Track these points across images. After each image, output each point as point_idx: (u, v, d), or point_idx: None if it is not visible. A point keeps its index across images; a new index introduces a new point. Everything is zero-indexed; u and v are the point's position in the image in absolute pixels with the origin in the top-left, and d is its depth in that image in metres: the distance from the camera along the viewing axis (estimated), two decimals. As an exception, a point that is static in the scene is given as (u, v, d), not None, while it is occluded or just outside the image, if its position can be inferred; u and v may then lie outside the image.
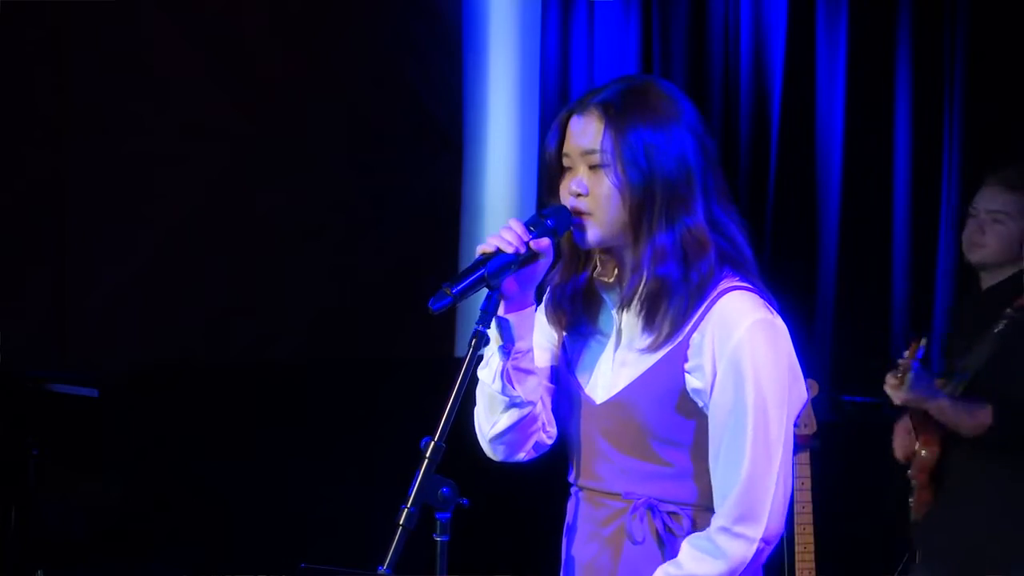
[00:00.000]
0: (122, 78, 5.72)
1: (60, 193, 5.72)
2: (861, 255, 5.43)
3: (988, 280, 4.46)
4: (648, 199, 2.47)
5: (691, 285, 2.48)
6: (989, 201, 4.39)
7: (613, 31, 5.83)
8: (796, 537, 4.66)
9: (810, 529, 4.63)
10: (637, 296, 2.51)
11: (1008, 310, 4.27)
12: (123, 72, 5.72)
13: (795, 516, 4.68)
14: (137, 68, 5.74)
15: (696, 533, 2.49)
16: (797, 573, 4.64)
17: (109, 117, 5.72)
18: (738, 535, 2.45)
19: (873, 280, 5.40)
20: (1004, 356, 4.24)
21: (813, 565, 4.63)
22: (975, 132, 5.24)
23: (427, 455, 2.35)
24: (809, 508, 4.63)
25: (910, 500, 4.53)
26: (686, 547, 2.48)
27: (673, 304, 2.48)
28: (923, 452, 4.40)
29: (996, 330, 4.29)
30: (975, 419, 4.22)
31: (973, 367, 4.28)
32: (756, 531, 2.46)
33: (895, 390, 4.29)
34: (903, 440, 4.52)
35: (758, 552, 2.46)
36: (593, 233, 2.52)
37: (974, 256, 4.44)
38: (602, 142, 2.49)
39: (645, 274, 2.48)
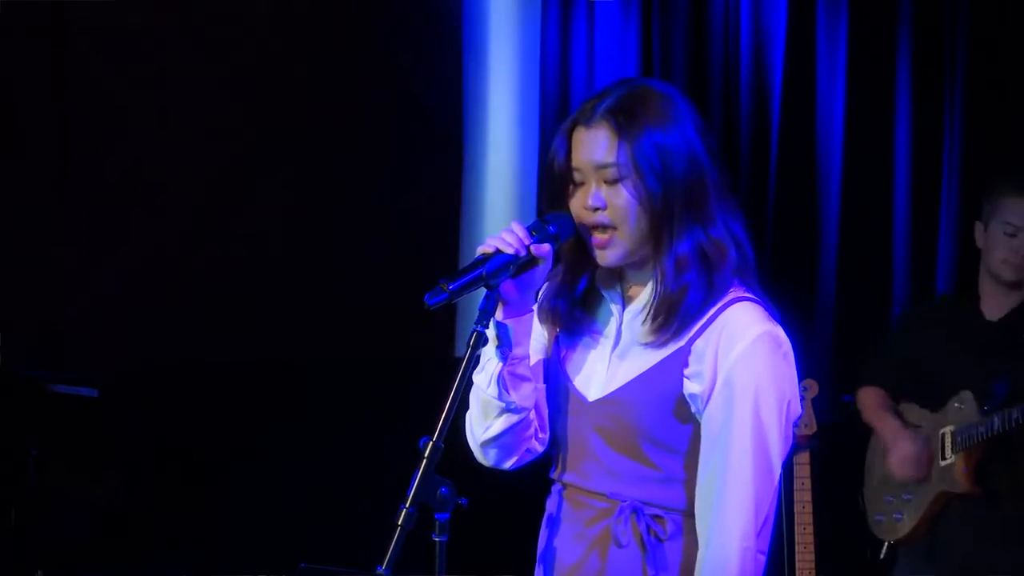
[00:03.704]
0: (122, 78, 5.73)
1: (60, 194, 5.73)
2: (861, 255, 5.43)
3: (1000, 306, 4.38)
4: (669, 207, 2.46)
5: (710, 290, 2.48)
6: None
7: (613, 31, 5.82)
8: (796, 537, 4.66)
9: (810, 529, 4.63)
10: (653, 302, 2.50)
11: None
12: (123, 72, 5.73)
13: (795, 516, 4.68)
14: (137, 68, 5.74)
15: (712, 560, 2.45)
16: (797, 573, 4.64)
17: (109, 117, 5.72)
18: (755, 550, 2.45)
19: (873, 280, 5.39)
20: None
21: (813, 565, 4.63)
22: (975, 132, 5.24)
23: (425, 455, 2.35)
24: (809, 508, 4.63)
25: (897, 517, 4.48)
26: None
27: (686, 309, 2.48)
28: (967, 483, 4.31)
29: None
30: None
31: (1013, 381, 4.23)
32: (761, 543, 2.46)
33: None
34: (912, 458, 4.44)
35: (760, 564, 2.47)
36: (618, 252, 2.51)
37: (1016, 276, 4.34)
38: (617, 155, 2.47)
39: (670, 285, 2.47)
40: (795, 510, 4.69)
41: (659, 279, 2.49)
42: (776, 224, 5.51)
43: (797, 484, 4.70)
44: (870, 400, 4.60)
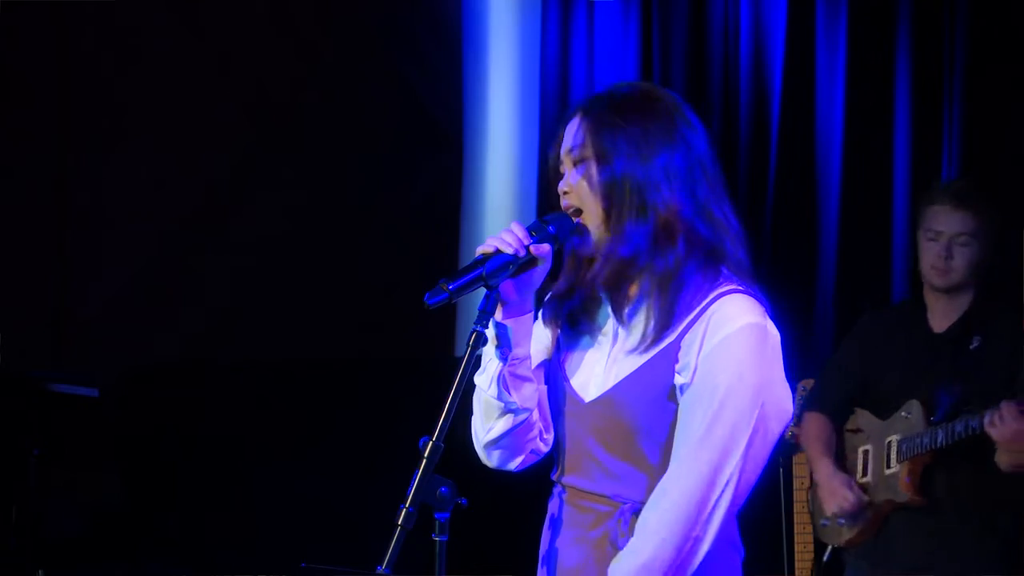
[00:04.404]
0: (122, 78, 5.73)
1: (60, 194, 5.73)
2: (861, 255, 5.43)
3: (944, 313, 4.39)
4: (617, 190, 2.49)
5: (657, 272, 2.48)
6: (953, 224, 4.33)
7: (613, 31, 5.82)
8: (796, 536, 4.67)
9: (810, 528, 4.63)
10: (608, 283, 2.52)
11: (975, 333, 4.27)
12: (123, 72, 5.73)
13: (795, 515, 4.68)
14: (137, 68, 5.75)
15: (638, 535, 2.44)
16: (797, 572, 4.65)
17: (109, 118, 5.72)
18: (695, 537, 2.41)
19: (873, 280, 5.39)
20: (991, 365, 4.23)
21: (812, 564, 4.64)
22: (974, 132, 5.23)
23: (425, 455, 2.35)
24: (809, 507, 4.63)
25: (841, 523, 4.46)
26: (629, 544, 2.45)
27: (641, 273, 2.49)
28: (910, 493, 4.31)
29: (972, 347, 4.28)
30: None
31: (967, 391, 4.25)
32: (696, 531, 2.42)
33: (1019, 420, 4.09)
34: (844, 493, 4.43)
35: (691, 552, 2.42)
36: (592, 234, 2.53)
37: (942, 281, 4.36)
38: (576, 137, 2.54)
39: (617, 250, 2.49)
40: (795, 509, 4.69)
41: (606, 242, 2.51)
42: (776, 224, 5.51)
43: (796, 484, 4.70)
44: (811, 431, 4.55)
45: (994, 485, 4.25)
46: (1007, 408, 4.05)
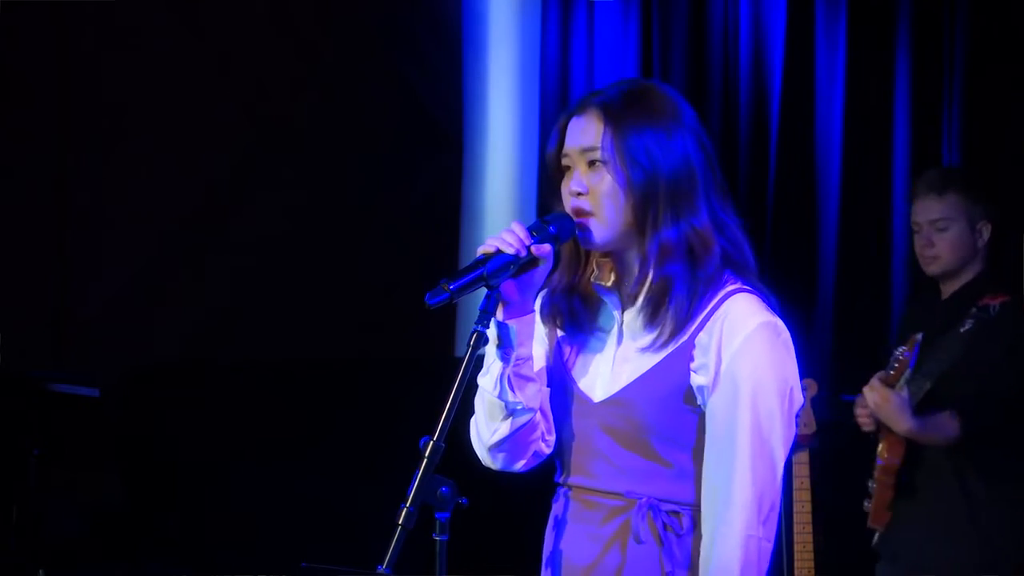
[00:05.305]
0: (122, 78, 5.73)
1: (60, 194, 5.73)
2: (860, 255, 5.43)
3: (949, 288, 4.47)
4: (651, 196, 2.48)
5: (697, 284, 2.49)
6: (926, 212, 4.43)
7: (613, 31, 5.83)
8: (796, 536, 4.67)
9: (810, 528, 4.63)
10: (642, 294, 2.52)
11: (973, 309, 4.29)
12: (123, 72, 5.73)
13: (795, 515, 4.68)
14: (137, 68, 5.74)
15: (716, 548, 2.47)
16: (796, 572, 4.65)
17: (109, 118, 5.72)
18: (759, 538, 2.45)
19: (873, 279, 5.40)
20: (971, 355, 4.25)
21: (812, 564, 4.64)
22: (974, 132, 5.24)
23: (426, 455, 2.35)
24: (809, 507, 4.63)
25: (865, 503, 4.52)
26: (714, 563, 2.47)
27: (675, 302, 2.48)
28: (886, 455, 4.39)
29: (962, 330, 4.30)
30: (943, 434, 4.26)
31: (938, 368, 4.29)
32: (767, 532, 2.47)
33: (878, 391, 4.28)
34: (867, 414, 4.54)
35: (766, 551, 2.47)
36: (599, 233, 2.52)
37: (932, 269, 4.47)
38: (601, 139, 2.50)
39: (651, 273, 2.49)
40: (794, 509, 4.69)
41: (643, 265, 2.50)
42: (776, 224, 5.51)
43: (796, 483, 4.70)
44: None
45: (1006, 488, 4.28)
46: (875, 381, 4.27)
